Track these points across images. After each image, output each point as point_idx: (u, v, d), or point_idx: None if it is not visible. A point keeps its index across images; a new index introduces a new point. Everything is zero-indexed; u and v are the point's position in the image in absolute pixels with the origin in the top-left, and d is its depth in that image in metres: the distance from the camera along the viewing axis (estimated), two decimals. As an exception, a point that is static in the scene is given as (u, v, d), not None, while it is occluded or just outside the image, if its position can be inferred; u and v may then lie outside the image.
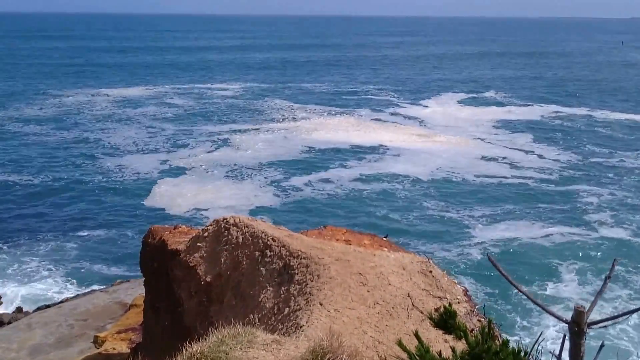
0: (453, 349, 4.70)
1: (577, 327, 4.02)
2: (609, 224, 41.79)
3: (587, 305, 4.08)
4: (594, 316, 4.15)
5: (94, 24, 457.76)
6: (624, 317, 4.12)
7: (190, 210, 44.18)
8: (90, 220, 43.17)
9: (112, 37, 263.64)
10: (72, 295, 32.12)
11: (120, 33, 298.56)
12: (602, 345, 4.54)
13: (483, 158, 59.20)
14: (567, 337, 4.17)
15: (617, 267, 33.40)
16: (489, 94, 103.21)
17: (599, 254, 36.75)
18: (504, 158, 59.24)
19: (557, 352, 4.37)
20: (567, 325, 4.11)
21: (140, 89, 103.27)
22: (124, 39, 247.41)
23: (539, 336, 4.78)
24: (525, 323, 28.64)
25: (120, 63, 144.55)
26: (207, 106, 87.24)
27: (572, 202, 46.28)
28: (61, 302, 31.01)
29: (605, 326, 4.07)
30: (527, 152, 62.07)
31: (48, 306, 30.57)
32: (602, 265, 34.97)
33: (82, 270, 35.81)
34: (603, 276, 32.77)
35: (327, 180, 51.51)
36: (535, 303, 4.23)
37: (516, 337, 26.54)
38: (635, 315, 26.78)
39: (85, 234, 40.89)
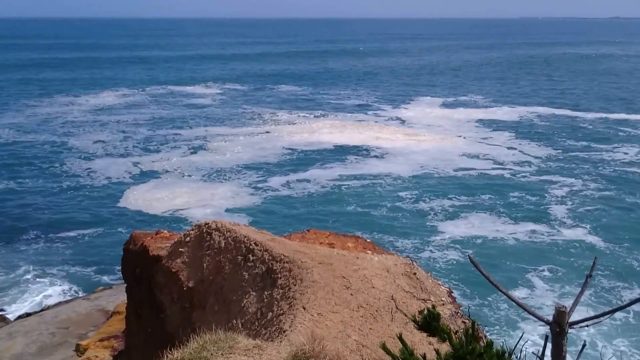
0: (437, 352, 4.68)
1: (559, 327, 4.01)
2: (587, 219, 42.41)
3: (568, 305, 4.06)
4: (575, 315, 4.14)
5: (73, 29, 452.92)
6: (606, 316, 4.12)
7: (168, 212, 43.89)
8: (68, 226, 42.53)
9: (88, 43, 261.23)
10: (53, 303, 31.71)
11: (93, 39, 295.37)
12: (584, 345, 4.54)
13: (465, 155, 60.15)
14: (549, 337, 4.16)
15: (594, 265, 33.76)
16: (469, 97, 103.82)
17: (577, 249, 37.25)
18: (486, 155, 60.21)
19: (539, 353, 4.36)
20: (548, 325, 4.09)
21: (114, 95, 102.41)
22: (98, 46, 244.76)
23: (520, 337, 4.77)
24: (508, 323, 28.79)
25: (95, 71, 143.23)
26: (185, 111, 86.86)
27: (552, 196, 47.22)
28: (42, 310, 30.62)
29: (587, 326, 4.06)
30: (508, 148, 63.28)
31: (29, 314, 30.16)
32: (580, 260, 35.51)
33: (62, 278, 35.32)
34: (582, 278, 33.11)
35: (309, 181, 51.51)
36: (516, 304, 4.22)
37: (501, 338, 26.80)
38: (616, 314, 27.04)
39: (64, 241, 40.32)
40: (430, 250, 37.28)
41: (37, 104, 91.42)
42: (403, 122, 78.81)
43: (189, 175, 53.29)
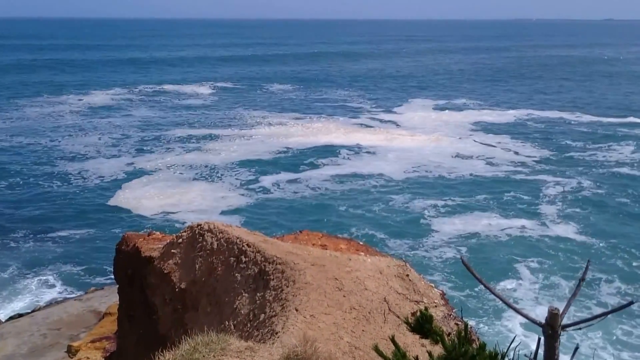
0: (430, 354, 4.67)
1: (552, 329, 4.00)
2: (581, 220, 42.63)
3: (561, 307, 4.06)
4: (568, 318, 4.13)
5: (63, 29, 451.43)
6: (599, 319, 4.11)
7: (160, 213, 43.76)
8: (60, 227, 42.18)
9: (81, 43, 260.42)
10: (44, 304, 31.54)
11: (86, 40, 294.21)
12: (576, 348, 4.53)
13: (458, 156, 60.50)
14: (541, 340, 4.15)
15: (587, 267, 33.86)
16: (463, 99, 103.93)
17: (570, 249, 37.44)
18: (479, 156, 60.47)
19: (532, 355, 4.35)
20: (541, 327, 4.09)
21: (107, 95, 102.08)
22: (91, 47, 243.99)
23: (513, 339, 4.76)
24: (501, 325, 28.84)
25: (88, 71, 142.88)
26: (178, 111, 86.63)
27: (545, 197, 47.52)
28: (33, 311, 30.44)
29: (579, 328, 4.05)
30: (502, 149, 63.56)
31: (20, 315, 30.00)
32: (574, 260, 35.72)
33: (54, 278, 35.12)
34: (574, 274, 33.38)
35: (301, 182, 51.48)
36: (509, 306, 4.21)
37: (494, 340, 26.85)
38: (609, 317, 27.09)
39: (55, 241, 40.02)
40: (424, 250, 37.38)
41: (30, 104, 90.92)
42: (396, 123, 78.90)
43: (182, 175, 53.16)
